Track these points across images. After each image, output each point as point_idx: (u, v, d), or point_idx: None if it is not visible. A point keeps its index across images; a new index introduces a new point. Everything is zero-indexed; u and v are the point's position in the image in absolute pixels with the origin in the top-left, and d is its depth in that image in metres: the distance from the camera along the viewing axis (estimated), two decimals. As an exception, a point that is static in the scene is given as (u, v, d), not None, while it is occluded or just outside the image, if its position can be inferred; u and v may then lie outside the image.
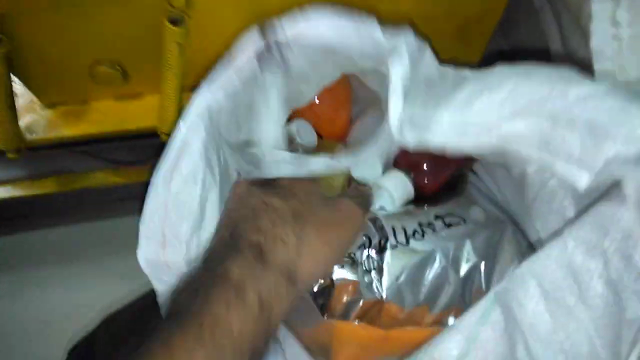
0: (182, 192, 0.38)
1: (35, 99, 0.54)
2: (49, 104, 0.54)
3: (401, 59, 0.38)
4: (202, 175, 0.39)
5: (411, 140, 0.38)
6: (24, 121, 0.53)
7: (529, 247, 0.44)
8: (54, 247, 0.73)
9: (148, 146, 0.52)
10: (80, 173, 0.60)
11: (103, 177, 0.60)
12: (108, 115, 0.53)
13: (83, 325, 0.57)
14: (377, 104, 0.51)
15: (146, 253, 0.39)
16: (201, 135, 0.39)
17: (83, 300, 0.68)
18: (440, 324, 0.42)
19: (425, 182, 0.46)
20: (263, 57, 0.42)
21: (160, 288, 0.41)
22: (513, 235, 0.44)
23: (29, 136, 0.53)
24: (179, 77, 0.45)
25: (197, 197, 0.38)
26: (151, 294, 0.41)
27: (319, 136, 0.50)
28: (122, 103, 0.53)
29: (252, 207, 0.37)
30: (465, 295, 0.42)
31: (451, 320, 0.42)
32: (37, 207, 0.67)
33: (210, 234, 0.39)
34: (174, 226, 0.38)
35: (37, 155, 0.55)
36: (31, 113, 0.54)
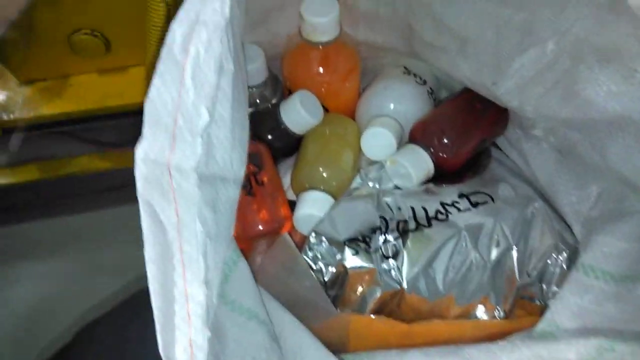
0: (204, 58, 0.26)
1: (10, 75, 0.48)
2: (25, 81, 0.49)
3: None
4: (222, 35, 0.27)
5: None
6: (-3, 100, 0.48)
7: (562, 225, 0.39)
8: (39, 241, 0.68)
9: (135, 125, 0.47)
10: (62, 158, 0.55)
11: (88, 162, 0.55)
12: (90, 90, 0.48)
13: (69, 321, 0.53)
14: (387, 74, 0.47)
15: (149, 149, 0.26)
16: None
17: (70, 295, 0.64)
18: (468, 316, 0.37)
19: (446, 157, 0.41)
20: None
21: (150, 227, 0.26)
22: (546, 213, 0.39)
23: (4, 116, 0.48)
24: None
25: (216, 69, 0.27)
26: (130, 301, 0.36)
27: (325, 109, 0.45)
28: (105, 77, 0.48)
29: None
30: (496, 283, 0.37)
31: (480, 312, 0.37)
32: (19, 197, 0.62)
33: (224, 131, 0.29)
34: (189, 111, 0.26)
35: (14, 138, 0.50)
36: (6, 90, 0.49)
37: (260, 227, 0.40)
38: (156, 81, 0.26)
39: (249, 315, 0.32)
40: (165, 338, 0.25)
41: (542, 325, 0.33)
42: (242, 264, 0.35)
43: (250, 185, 0.40)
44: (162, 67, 0.26)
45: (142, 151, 0.25)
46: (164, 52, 0.26)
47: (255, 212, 0.40)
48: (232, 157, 0.30)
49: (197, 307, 0.25)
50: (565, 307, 0.33)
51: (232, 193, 0.31)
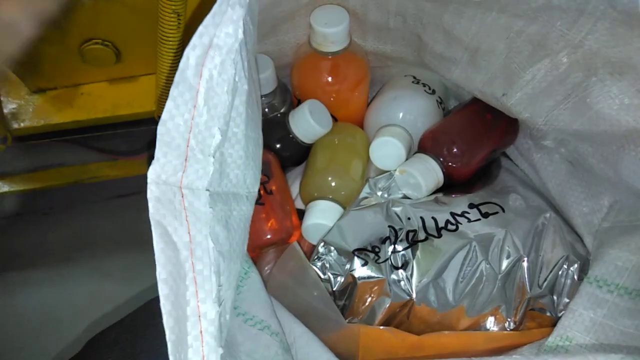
0: (217, 80, 0.27)
1: (21, 84, 0.49)
2: (36, 89, 0.49)
3: None
4: (236, 57, 0.27)
5: None
6: (9, 108, 0.48)
7: (573, 236, 0.39)
8: (49, 247, 0.68)
9: (145, 134, 0.47)
10: (72, 166, 0.55)
11: (97, 170, 0.55)
12: (101, 100, 0.48)
13: (77, 330, 0.53)
14: (395, 84, 0.47)
15: (161, 171, 0.26)
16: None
17: (79, 303, 0.63)
18: (478, 327, 0.37)
19: (456, 166, 0.40)
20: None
21: (162, 248, 0.26)
22: (557, 224, 0.39)
23: (15, 125, 0.48)
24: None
25: (230, 90, 0.27)
26: (141, 310, 0.36)
27: (333, 118, 0.45)
28: (115, 86, 0.48)
29: None
30: (507, 294, 0.37)
31: (490, 323, 0.37)
32: (29, 204, 0.62)
33: (237, 149, 0.29)
34: (202, 132, 0.26)
35: (24, 146, 0.50)
36: (17, 99, 0.49)
37: (269, 236, 0.40)
38: (169, 105, 0.26)
39: (261, 326, 0.32)
40: (178, 357, 0.25)
41: (553, 338, 0.32)
42: (254, 275, 0.35)
43: (259, 194, 0.40)
44: (175, 91, 0.26)
45: (154, 173, 0.25)
46: (178, 77, 0.26)
47: (263, 220, 0.40)
48: (245, 174, 0.30)
49: (210, 325, 0.25)
50: (578, 321, 0.32)
51: (245, 209, 0.31)
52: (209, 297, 0.25)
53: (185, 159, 0.26)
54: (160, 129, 0.26)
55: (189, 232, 0.26)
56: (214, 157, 0.27)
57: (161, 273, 0.25)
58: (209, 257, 0.26)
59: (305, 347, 0.32)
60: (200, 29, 0.26)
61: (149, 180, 0.26)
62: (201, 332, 0.25)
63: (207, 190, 0.27)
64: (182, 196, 0.26)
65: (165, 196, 0.26)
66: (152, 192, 0.25)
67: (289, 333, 0.33)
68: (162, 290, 0.25)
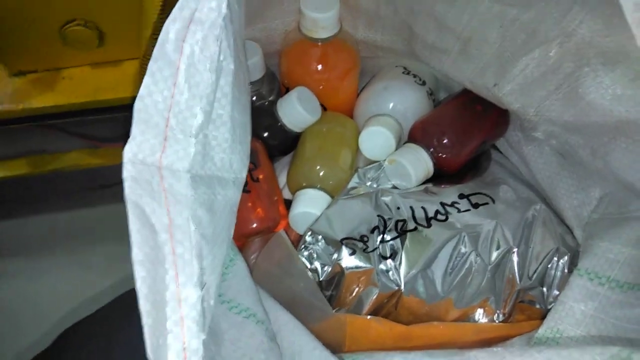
0: (199, 57, 0.25)
1: (0, 66, 0.47)
2: (16, 72, 0.48)
3: None
4: (220, 33, 0.26)
5: None
6: (-14, 91, 0.47)
7: (563, 228, 0.39)
8: (27, 237, 0.67)
9: (129, 120, 0.46)
10: (53, 153, 0.53)
11: (79, 158, 0.53)
12: (83, 84, 0.46)
13: (55, 320, 0.52)
14: (386, 73, 0.46)
15: (137, 150, 0.24)
16: None
17: (59, 294, 0.62)
18: (466, 319, 0.36)
19: (446, 157, 0.40)
20: None
21: (138, 229, 0.24)
22: (547, 216, 0.38)
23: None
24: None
25: (213, 68, 0.26)
26: (116, 302, 0.34)
27: (322, 107, 0.44)
28: (99, 71, 0.47)
29: None
30: (496, 286, 0.36)
31: (479, 315, 0.36)
32: (7, 192, 0.60)
33: (222, 131, 0.28)
34: (182, 112, 0.25)
35: (3, 131, 0.48)
36: (-4, 82, 0.48)
37: (255, 225, 0.39)
38: (147, 80, 0.25)
39: (247, 314, 0.31)
40: (155, 343, 0.23)
41: (543, 331, 0.32)
42: (239, 262, 0.34)
43: (246, 182, 0.39)
44: (154, 66, 0.25)
45: (130, 152, 0.24)
46: (157, 51, 0.25)
47: (250, 209, 0.39)
48: (231, 159, 0.29)
49: (191, 310, 0.24)
50: (569, 314, 0.32)
51: (231, 194, 0.30)
52: (190, 281, 0.24)
53: (165, 139, 0.25)
54: (137, 104, 0.25)
55: (168, 215, 0.25)
56: (195, 138, 0.26)
57: (137, 255, 0.24)
58: (190, 241, 0.25)
59: (291, 336, 0.31)
60: (181, 1, 0.25)
61: (124, 159, 0.24)
62: (182, 317, 0.24)
63: (189, 172, 0.25)
64: (162, 177, 0.25)
65: (143, 176, 0.24)
66: (129, 171, 0.24)
67: (274, 321, 0.32)
68: (139, 273, 0.24)
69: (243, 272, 0.33)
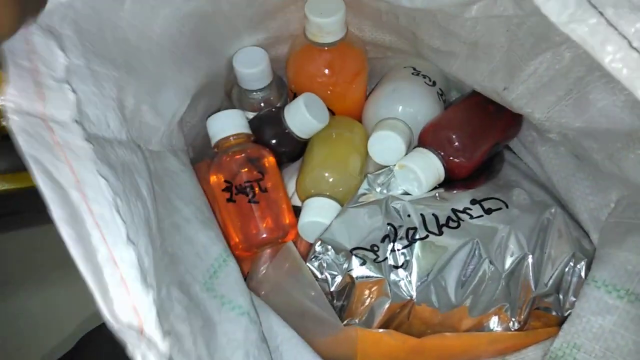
0: None
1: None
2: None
3: None
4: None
5: None
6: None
7: (580, 232, 0.38)
8: (41, 247, 0.67)
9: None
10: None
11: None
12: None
13: (71, 329, 0.52)
14: (393, 76, 0.45)
15: (19, 98, 0.22)
16: None
17: (71, 302, 0.63)
18: (481, 327, 0.35)
19: (458, 161, 0.39)
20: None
21: (50, 187, 0.22)
22: (562, 220, 0.37)
23: (4, 122, 0.47)
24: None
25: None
26: None
27: (331, 112, 0.43)
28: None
29: None
30: (511, 293, 0.35)
31: (493, 323, 0.35)
32: (19, 203, 0.61)
33: (88, 83, 0.26)
34: (46, 54, 0.23)
35: (10, 145, 0.49)
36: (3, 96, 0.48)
37: (265, 235, 0.38)
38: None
39: (240, 311, 0.31)
40: (108, 309, 0.22)
41: (559, 344, 0.31)
42: (232, 264, 0.34)
43: (254, 192, 0.39)
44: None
45: (11, 99, 0.22)
46: None
47: (259, 219, 0.38)
48: (107, 116, 0.27)
49: (131, 269, 0.22)
50: (587, 328, 0.31)
51: (125, 156, 0.28)
52: (119, 240, 0.22)
53: (39, 86, 0.23)
54: (6, 45, 0.22)
55: (73, 173, 0.23)
56: (68, 84, 0.23)
57: (58, 212, 0.21)
58: (104, 197, 0.23)
59: (292, 350, 0.31)
60: None
61: (7, 110, 0.22)
62: (122, 278, 0.22)
63: (76, 121, 0.23)
64: (52, 131, 0.22)
65: (34, 129, 0.22)
66: (16, 122, 0.22)
67: (275, 336, 0.32)
68: (66, 233, 0.22)
69: (235, 274, 0.33)
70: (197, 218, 0.35)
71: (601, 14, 0.20)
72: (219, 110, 0.41)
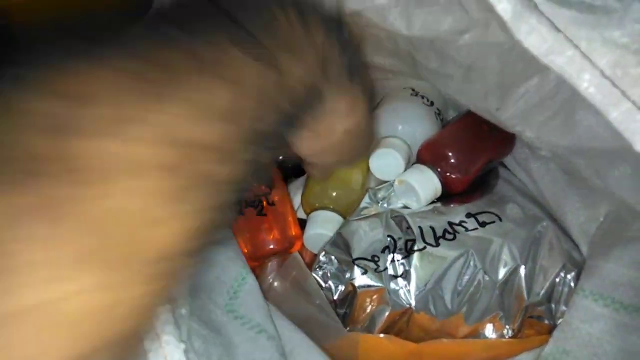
0: None
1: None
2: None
3: None
4: None
5: None
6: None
7: (570, 244, 0.40)
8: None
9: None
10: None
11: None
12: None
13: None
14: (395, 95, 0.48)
15: None
16: None
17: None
18: (477, 335, 0.37)
19: (454, 177, 0.41)
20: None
21: None
22: (554, 233, 0.39)
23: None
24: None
25: None
26: None
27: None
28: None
29: None
30: (505, 302, 0.37)
31: (488, 331, 0.37)
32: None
33: None
34: None
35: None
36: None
37: (272, 246, 0.41)
38: None
39: (259, 330, 0.33)
40: None
41: (550, 350, 0.33)
42: (251, 280, 0.36)
43: (262, 206, 0.41)
44: None
45: None
46: None
47: (266, 231, 0.41)
48: None
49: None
50: (575, 334, 0.32)
51: None
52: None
53: None
54: None
55: None
56: None
57: None
58: None
59: (304, 354, 0.32)
60: None
61: None
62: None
63: None
64: None
65: None
66: None
67: (288, 341, 0.34)
68: None
69: (255, 290, 0.35)
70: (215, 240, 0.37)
71: (576, 46, 0.22)
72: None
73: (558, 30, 0.23)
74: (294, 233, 0.42)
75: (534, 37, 0.23)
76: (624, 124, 0.23)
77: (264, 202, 0.41)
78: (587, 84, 0.22)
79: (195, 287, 0.33)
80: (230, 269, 0.37)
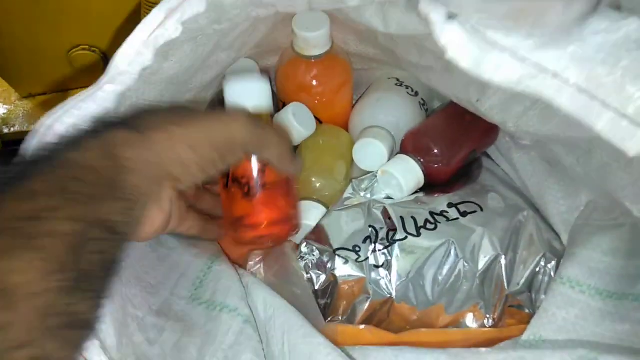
0: None
1: (11, 89, 0.50)
2: (26, 95, 0.50)
3: None
4: None
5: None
6: (-1, 113, 0.49)
7: (551, 234, 0.40)
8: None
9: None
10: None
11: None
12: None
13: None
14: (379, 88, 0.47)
15: None
16: None
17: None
18: (457, 324, 0.37)
19: (436, 167, 0.41)
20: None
21: None
22: (534, 223, 0.40)
23: (5, 130, 0.49)
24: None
25: None
26: None
27: (318, 121, 0.46)
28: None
29: None
30: (485, 291, 0.38)
31: (469, 320, 0.38)
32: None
33: None
34: None
35: (14, 152, 0.51)
36: (7, 104, 0.50)
37: (258, 233, 0.39)
38: None
39: (221, 307, 0.34)
40: None
41: (527, 337, 0.33)
42: (216, 266, 0.37)
43: (249, 187, 0.38)
44: None
45: None
46: None
47: (253, 216, 0.39)
48: None
49: None
50: (551, 321, 0.33)
51: None
52: None
53: None
54: None
55: None
56: None
57: None
58: None
59: (284, 317, 0.33)
60: None
61: None
62: None
63: None
64: None
65: None
66: None
67: (269, 306, 0.34)
68: None
69: (221, 272, 0.37)
70: (181, 244, 0.39)
71: (546, 69, 0.23)
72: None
73: (524, 58, 0.24)
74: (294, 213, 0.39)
75: (503, 72, 0.23)
76: (611, 132, 0.23)
77: (253, 184, 0.39)
78: (567, 102, 0.23)
79: (155, 289, 0.35)
80: (196, 264, 0.37)
